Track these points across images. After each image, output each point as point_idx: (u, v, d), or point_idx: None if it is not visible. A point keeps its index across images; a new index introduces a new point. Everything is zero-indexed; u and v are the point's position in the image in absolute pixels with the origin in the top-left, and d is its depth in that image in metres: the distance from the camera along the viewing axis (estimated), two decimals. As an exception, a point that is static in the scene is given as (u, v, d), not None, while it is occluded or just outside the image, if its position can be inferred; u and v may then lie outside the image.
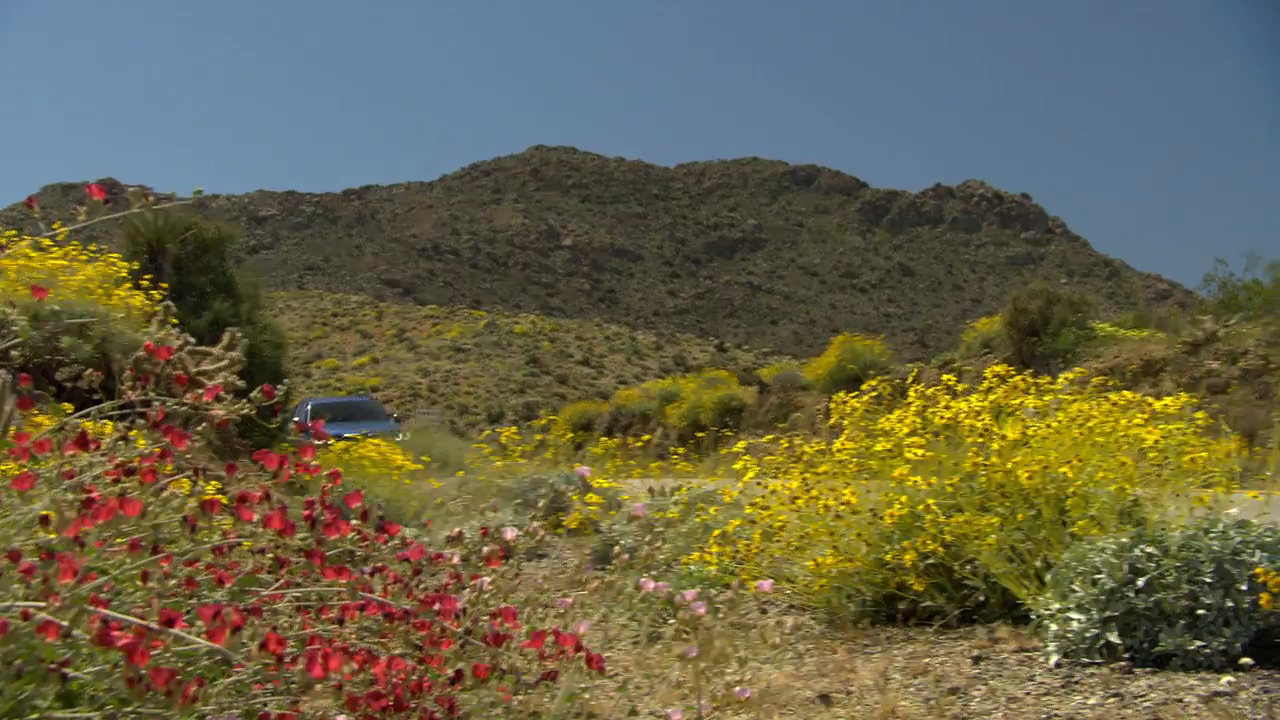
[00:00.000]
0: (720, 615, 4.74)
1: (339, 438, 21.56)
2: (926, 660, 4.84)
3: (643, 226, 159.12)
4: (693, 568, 6.06)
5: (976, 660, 4.79)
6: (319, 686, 2.48)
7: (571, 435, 20.50)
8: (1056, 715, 3.94)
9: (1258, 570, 4.05)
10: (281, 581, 2.62)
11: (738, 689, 3.30)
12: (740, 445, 6.49)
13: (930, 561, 5.38)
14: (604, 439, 20.85)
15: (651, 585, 3.35)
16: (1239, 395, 22.51)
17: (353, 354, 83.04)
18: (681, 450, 13.86)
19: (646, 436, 24.36)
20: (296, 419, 24.45)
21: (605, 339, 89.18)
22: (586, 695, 3.09)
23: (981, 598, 5.41)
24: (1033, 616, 4.98)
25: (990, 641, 5.08)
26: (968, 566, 5.36)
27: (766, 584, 3.77)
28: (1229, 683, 4.10)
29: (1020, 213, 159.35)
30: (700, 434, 26.26)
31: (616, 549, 7.63)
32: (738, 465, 6.25)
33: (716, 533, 5.91)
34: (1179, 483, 5.27)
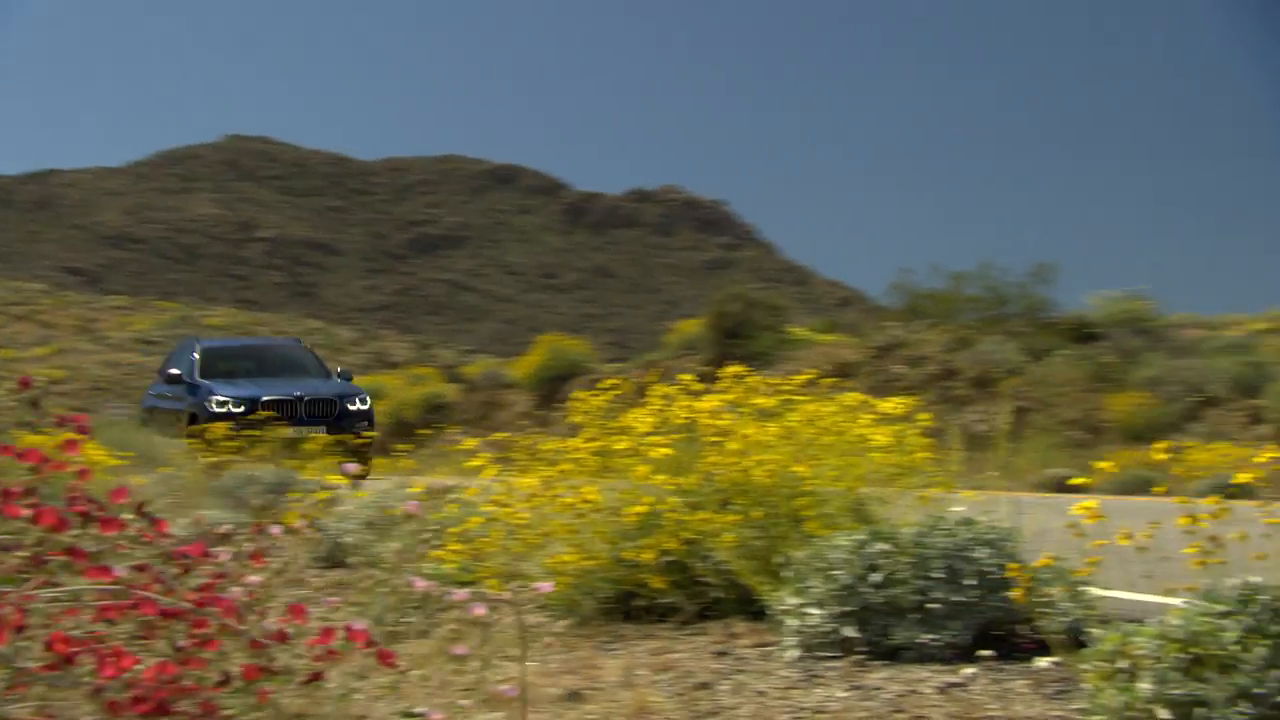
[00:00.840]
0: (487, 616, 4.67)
1: (252, 408, 16.48)
2: (670, 656, 4.90)
3: (342, 220, 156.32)
4: (430, 567, 5.97)
5: (719, 655, 4.89)
6: (75, 691, 2.35)
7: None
8: (803, 707, 4.03)
9: (1012, 568, 4.24)
10: (40, 581, 2.46)
11: (505, 687, 3.26)
12: (471, 442, 6.44)
13: (670, 559, 5.46)
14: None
15: (422, 584, 3.27)
16: (925, 398, 23.69)
17: (31, 344, 78.75)
18: (406, 447, 13.69)
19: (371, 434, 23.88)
20: (173, 369, 18.64)
21: (305, 334, 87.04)
22: (359, 696, 3.00)
23: (719, 594, 5.51)
24: (770, 612, 5.10)
25: (728, 637, 5.19)
26: (706, 564, 5.46)
27: (547, 585, 3.74)
28: (962, 674, 4.30)
29: (715, 218, 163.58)
30: (407, 431, 25.99)
31: (341, 546, 7.46)
32: (473, 463, 6.19)
33: (455, 530, 5.83)
34: (905, 482, 5.51)
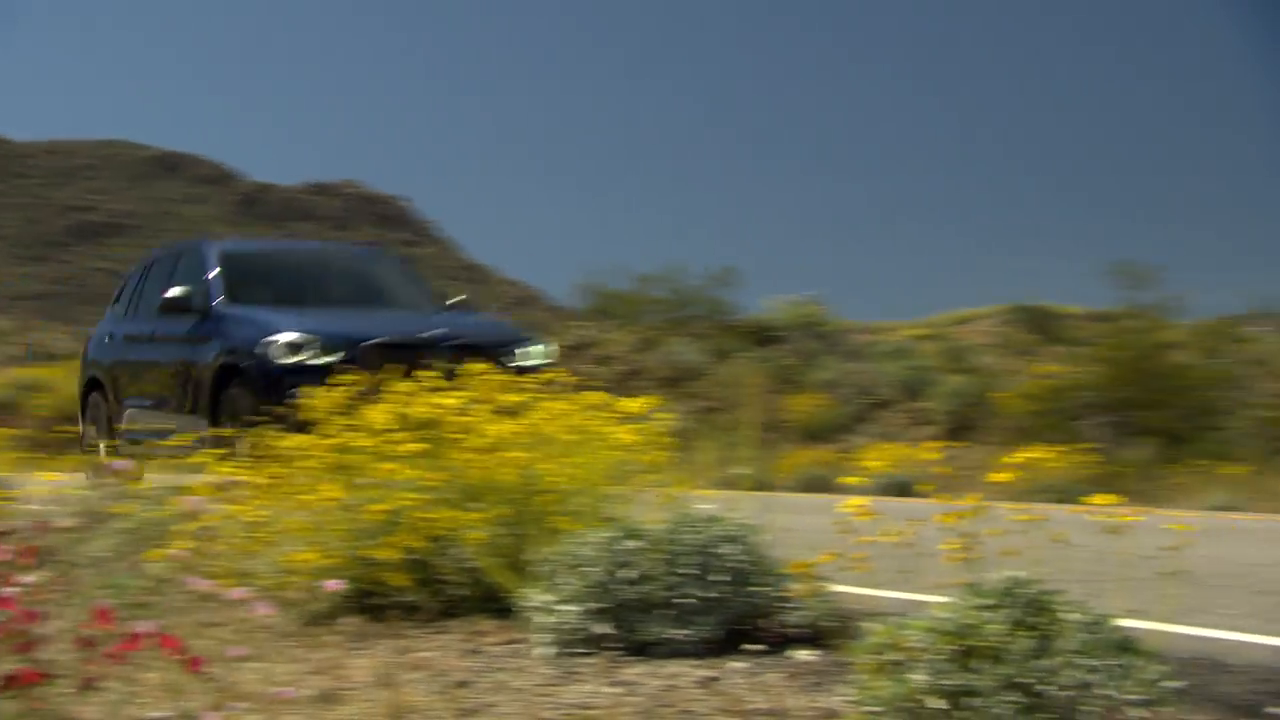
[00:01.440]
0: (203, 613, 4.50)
1: (351, 355, 9.58)
2: (420, 655, 4.84)
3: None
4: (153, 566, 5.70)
5: (470, 653, 4.85)
6: None
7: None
8: (568, 704, 4.05)
9: (794, 564, 4.36)
10: None
11: (289, 690, 3.16)
12: (191, 436, 6.20)
13: (412, 557, 5.38)
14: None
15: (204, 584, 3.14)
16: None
17: None
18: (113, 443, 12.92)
19: (17, 429, 22.53)
20: (177, 290, 11.03)
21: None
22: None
23: (462, 592, 5.47)
24: (518, 609, 5.09)
25: (475, 634, 5.17)
26: (449, 561, 5.41)
27: (334, 583, 3.62)
28: (717, 668, 4.40)
29: (395, 213, 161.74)
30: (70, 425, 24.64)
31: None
32: (197, 459, 5.96)
33: (188, 528, 5.58)
34: (646, 479, 5.60)
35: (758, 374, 23.52)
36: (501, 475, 5.38)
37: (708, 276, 28.18)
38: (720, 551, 4.86)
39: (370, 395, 6.04)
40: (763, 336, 26.38)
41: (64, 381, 33.78)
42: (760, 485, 17.94)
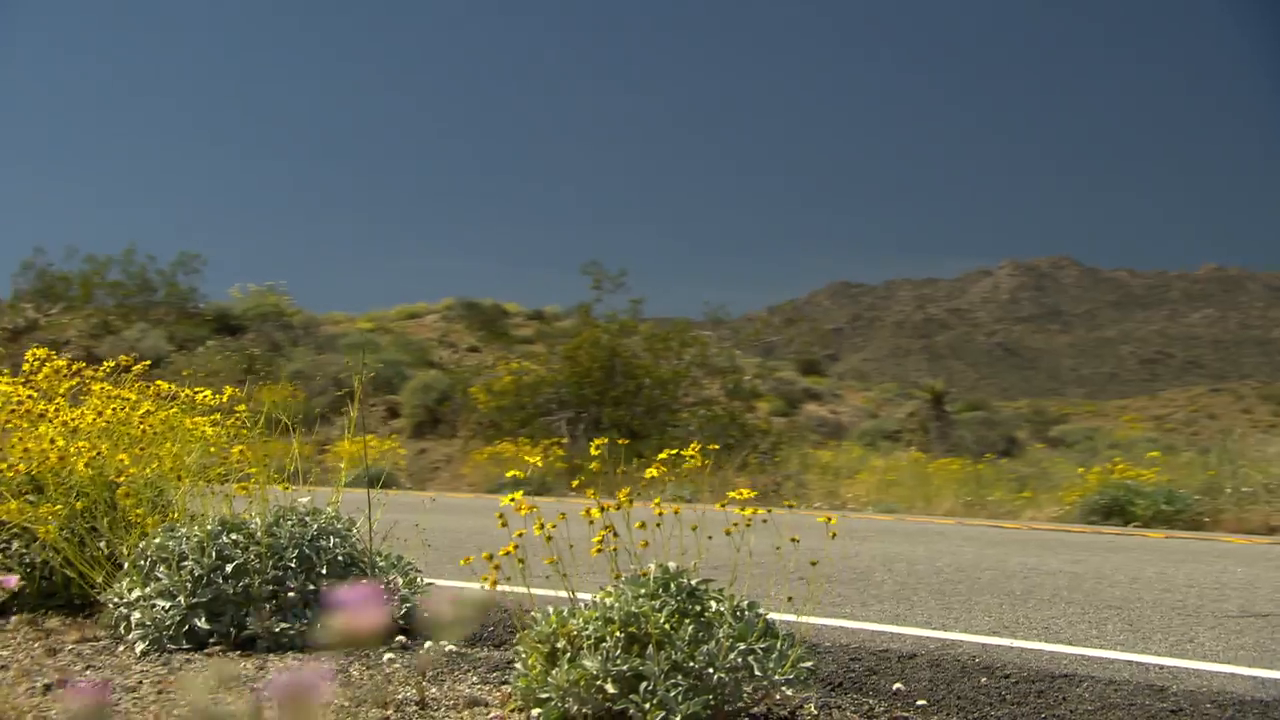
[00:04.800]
0: None
1: None
2: (-6, 655, 4.50)
3: None
4: None
5: (51, 652, 4.56)
6: None
7: None
8: (194, 701, 3.90)
9: (487, 555, 4.38)
10: None
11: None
12: None
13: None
14: None
15: None
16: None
17: None
18: None
19: None
20: None
21: None
22: None
23: (16, 589, 5.11)
24: (97, 605, 4.85)
25: (43, 633, 4.86)
26: (4, 555, 5.07)
27: (10, 580, 3.31)
28: (336, 660, 4.38)
29: None
30: None
31: None
32: None
33: None
34: (233, 469, 5.45)
35: (225, 363, 22.85)
36: (75, 467, 5.08)
37: (170, 262, 27.05)
38: (323, 545, 4.84)
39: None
40: (227, 325, 25.64)
41: None
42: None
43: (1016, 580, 6.53)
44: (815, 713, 3.75)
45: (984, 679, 4.13)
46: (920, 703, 3.86)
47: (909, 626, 5.06)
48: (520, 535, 3.73)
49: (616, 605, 3.59)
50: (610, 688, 3.43)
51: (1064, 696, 3.91)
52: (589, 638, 3.54)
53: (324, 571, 4.78)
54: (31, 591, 5.16)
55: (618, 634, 3.52)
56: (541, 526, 3.89)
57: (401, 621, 4.93)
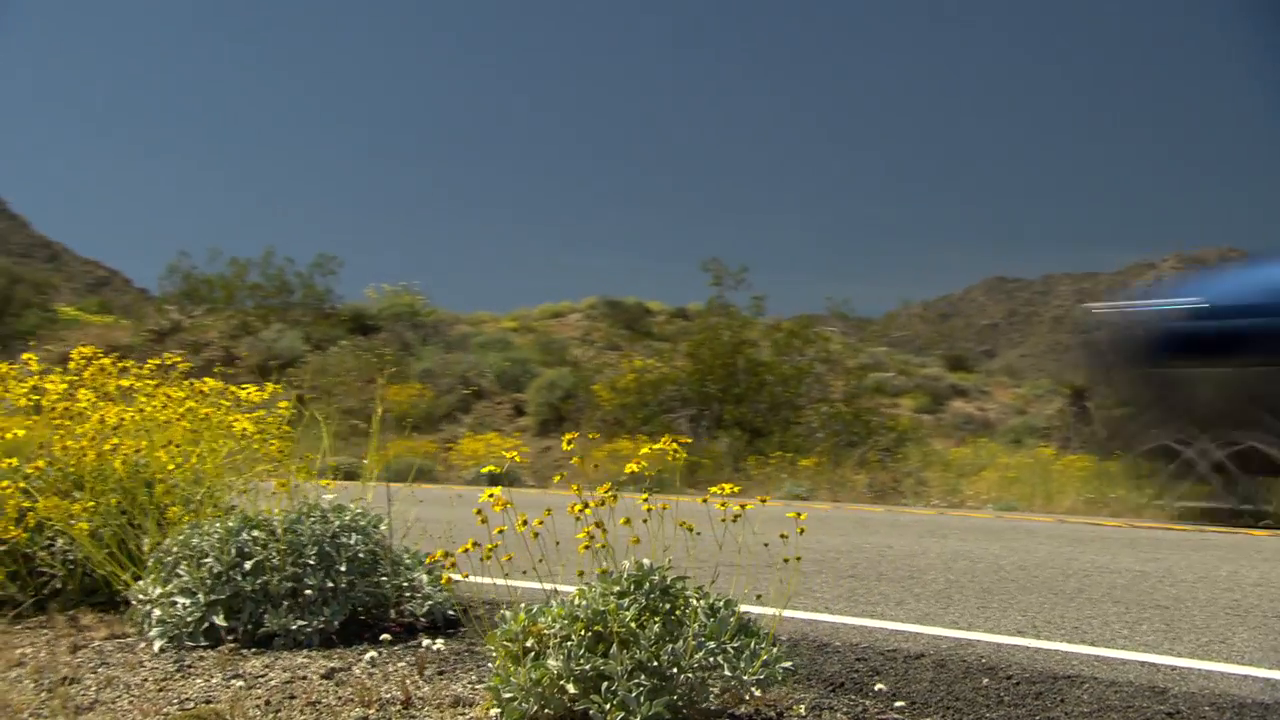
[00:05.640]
0: None
1: None
2: (18, 651, 4.59)
3: None
4: None
5: (75, 649, 4.63)
6: None
7: None
8: (186, 699, 3.93)
9: (438, 553, 4.36)
10: None
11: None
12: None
13: (5, 548, 5.10)
14: None
15: None
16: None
17: None
18: None
19: None
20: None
21: None
22: None
23: (60, 584, 5.22)
24: (128, 602, 4.91)
25: (77, 629, 4.94)
26: (49, 553, 5.16)
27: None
28: (345, 659, 4.37)
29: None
30: None
31: None
32: None
33: None
34: (268, 468, 5.49)
35: (356, 362, 23.24)
36: (112, 463, 5.16)
37: (307, 264, 27.64)
38: (343, 542, 4.83)
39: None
40: (361, 325, 26.11)
41: None
42: (352, 475, 17.80)
43: (1074, 579, 6.30)
44: (804, 714, 3.63)
45: (986, 680, 3.97)
46: (899, 704, 3.72)
47: (932, 626, 4.90)
48: (527, 529, 3.68)
49: (583, 603, 3.51)
50: (571, 688, 3.35)
51: (1062, 699, 3.73)
52: (554, 636, 3.47)
53: (344, 569, 4.78)
54: (74, 588, 5.26)
55: (583, 632, 3.44)
56: (525, 523, 3.83)
57: (425, 619, 4.92)
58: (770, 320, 22.69)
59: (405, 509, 5.55)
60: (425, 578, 5.02)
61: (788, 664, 3.55)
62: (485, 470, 4.36)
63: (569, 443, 4.17)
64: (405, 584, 4.96)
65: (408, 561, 5.07)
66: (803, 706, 3.67)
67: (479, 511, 3.66)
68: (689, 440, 18.76)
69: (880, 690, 3.86)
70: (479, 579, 5.11)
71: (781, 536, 3.65)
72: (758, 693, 3.48)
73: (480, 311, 37.16)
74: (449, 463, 19.07)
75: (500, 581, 4.76)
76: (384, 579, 4.89)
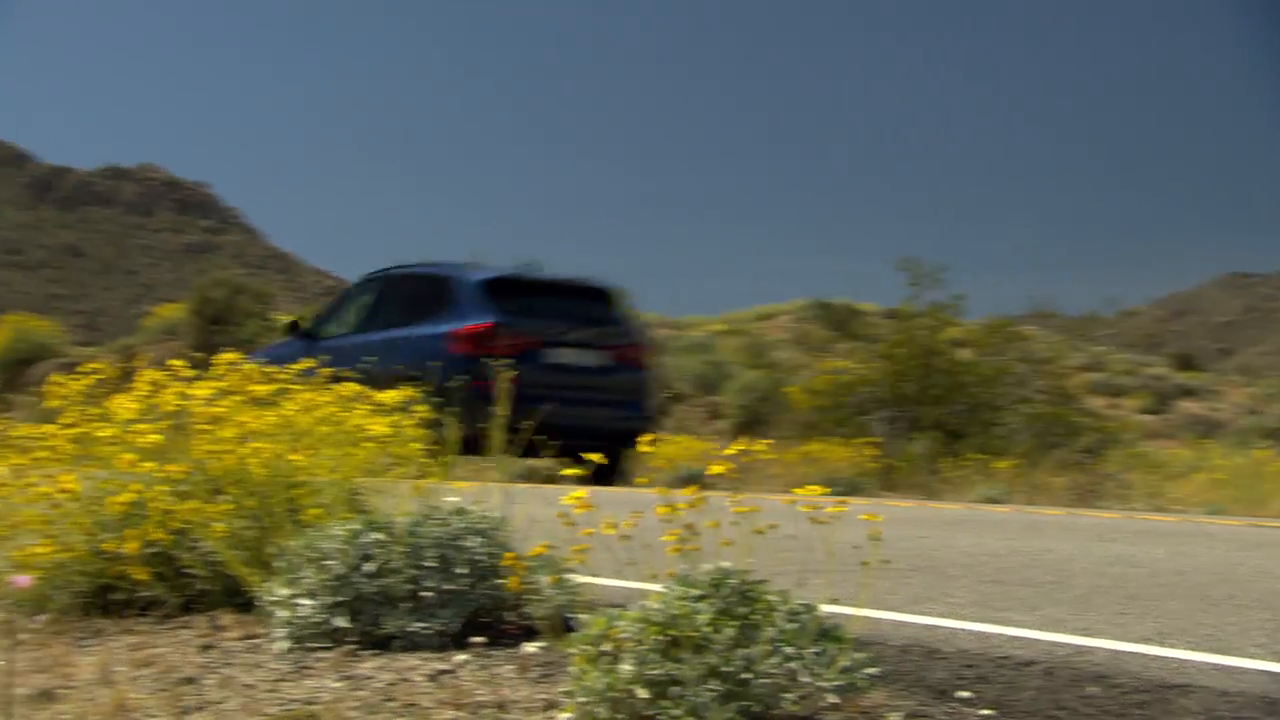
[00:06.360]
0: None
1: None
2: (151, 651, 4.74)
3: None
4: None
5: (205, 649, 4.77)
6: None
7: None
8: (294, 700, 4.01)
9: (508, 556, 4.38)
10: None
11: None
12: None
13: (154, 550, 5.28)
14: None
15: None
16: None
17: None
18: None
19: None
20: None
21: None
22: None
23: (205, 586, 5.38)
24: (260, 604, 5.03)
25: (214, 630, 5.08)
26: (193, 555, 5.32)
27: (24, 579, 3.52)
28: (452, 661, 4.41)
29: (198, 200, 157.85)
30: None
31: None
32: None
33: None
34: (401, 471, 5.58)
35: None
36: (250, 466, 5.31)
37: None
38: (463, 544, 4.87)
39: (120, 384, 5.91)
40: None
41: None
42: (551, 479, 18.02)
43: (1229, 585, 5.98)
44: (894, 721, 3.52)
45: (1092, 689, 3.78)
46: (984, 712, 3.57)
47: (1056, 632, 4.70)
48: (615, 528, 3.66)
49: (659, 607, 3.47)
50: (642, 692, 3.31)
51: (1167, 709, 3.53)
52: (629, 640, 3.43)
53: (463, 571, 4.81)
54: (218, 590, 5.41)
55: (656, 636, 3.40)
56: (614, 526, 3.82)
57: (544, 622, 4.92)
58: (980, 320, 22.25)
59: (540, 510, 5.57)
60: (546, 580, 5.02)
61: (873, 670, 3.44)
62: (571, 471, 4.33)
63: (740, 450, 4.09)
64: (526, 586, 4.97)
65: (530, 563, 5.08)
66: (896, 715, 3.55)
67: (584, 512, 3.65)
68: (879, 441, 18.57)
69: (964, 697, 3.72)
70: (605, 581, 5.12)
71: (874, 537, 3.54)
72: (834, 699, 3.38)
73: (690, 315, 37.30)
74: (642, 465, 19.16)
75: (621, 584, 4.76)
76: (503, 581, 4.90)
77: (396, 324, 13.68)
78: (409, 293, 14.14)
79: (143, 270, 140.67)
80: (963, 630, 4.76)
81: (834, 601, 3.53)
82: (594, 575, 5.01)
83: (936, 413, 19.63)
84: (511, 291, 13.56)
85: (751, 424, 22.43)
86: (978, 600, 5.54)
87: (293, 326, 15.91)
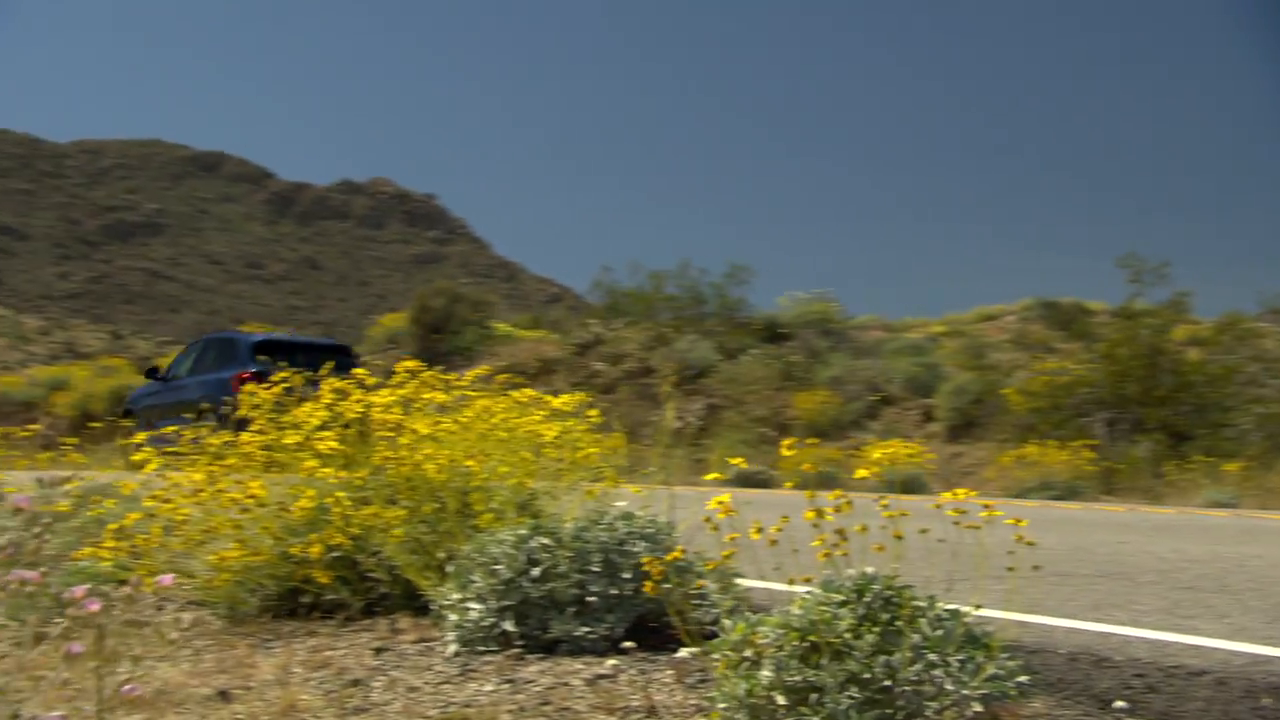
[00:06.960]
0: (116, 612, 4.54)
1: None
2: (329, 653, 4.86)
3: (31, 204, 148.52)
4: (84, 563, 5.77)
5: (378, 652, 4.87)
6: None
7: (-58, 424, 18.65)
8: (453, 702, 4.06)
9: (643, 560, 4.37)
10: None
11: (126, 687, 3.19)
12: (140, 436, 6.25)
13: (336, 555, 5.42)
14: (-19, 428, 19.19)
15: (31, 575, 3.16)
16: (623, 394, 24.03)
17: None
18: (73, 440, 13.03)
19: (35, 426, 22.68)
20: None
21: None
22: None
23: (385, 590, 5.50)
24: (434, 607, 5.12)
25: (392, 633, 5.18)
26: (373, 559, 5.45)
27: (168, 578, 3.66)
28: (611, 665, 4.41)
29: (426, 212, 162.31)
30: (93, 424, 24.81)
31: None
32: (137, 456, 6.00)
33: (113, 526, 5.64)
34: (573, 477, 5.60)
35: (766, 370, 23.45)
36: (427, 472, 5.40)
37: (720, 274, 28.20)
38: (629, 549, 4.87)
39: (304, 394, 6.09)
40: (773, 333, 26.34)
41: (89, 381, 34.24)
42: (762, 482, 17.93)
43: None
44: (1054, 735, 3.39)
45: (1268, 700, 3.57)
46: None
47: (1236, 642, 4.44)
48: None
49: (800, 612, 3.41)
50: (781, 699, 3.26)
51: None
52: (770, 646, 3.38)
53: (628, 576, 4.82)
54: (398, 593, 5.53)
55: (796, 642, 3.34)
56: (760, 530, 3.77)
57: (711, 627, 4.89)
58: (1198, 319, 21.33)
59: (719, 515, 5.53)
60: (714, 585, 4.99)
61: (1023, 677, 3.32)
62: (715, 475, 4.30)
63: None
64: (692, 591, 4.95)
65: (698, 569, 5.06)
66: (1056, 726, 3.43)
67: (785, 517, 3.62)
68: (1098, 444, 17.95)
69: (1120, 707, 3.55)
70: (773, 585, 5.06)
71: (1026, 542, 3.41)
72: (979, 708, 3.27)
73: (908, 317, 36.71)
74: (850, 469, 18.94)
75: (790, 588, 4.69)
76: (669, 586, 4.89)
77: (208, 369, 19.62)
78: (216, 350, 20.07)
79: (375, 281, 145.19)
80: (1138, 638, 4.55)
81: (978, 607, 3.42)
82: (761, 579, 4.97)
83: (1161, 414, 18.89)
84: (275, 349, 18.95)
85: (966, 427, 21.98)
86: (1164, 607, 5.30)
87: (152, 371, 21.82)
